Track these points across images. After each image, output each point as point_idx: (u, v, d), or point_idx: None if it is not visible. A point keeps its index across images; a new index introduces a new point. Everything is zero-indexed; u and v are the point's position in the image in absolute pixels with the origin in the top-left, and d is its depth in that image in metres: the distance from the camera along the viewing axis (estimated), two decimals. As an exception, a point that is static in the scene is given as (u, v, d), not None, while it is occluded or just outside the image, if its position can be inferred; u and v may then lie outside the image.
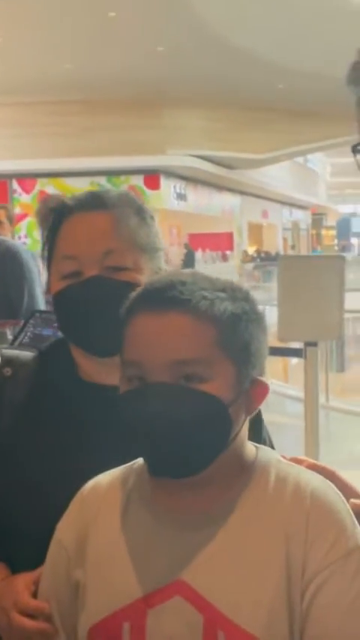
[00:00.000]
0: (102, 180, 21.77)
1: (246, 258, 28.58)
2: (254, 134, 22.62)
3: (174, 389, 0.96)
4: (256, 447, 1.07)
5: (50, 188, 21.48)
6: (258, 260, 28.05)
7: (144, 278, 1.24)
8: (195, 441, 0.97)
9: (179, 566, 0.99)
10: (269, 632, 0.96)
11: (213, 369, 0.97)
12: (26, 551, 1.22)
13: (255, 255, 29.07)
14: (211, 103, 21.30)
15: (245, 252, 29.18)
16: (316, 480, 1.04)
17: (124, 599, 1.00)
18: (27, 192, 21.94)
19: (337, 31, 14.82)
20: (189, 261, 25.07)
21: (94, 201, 1.28)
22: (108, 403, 1.24)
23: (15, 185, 21.90)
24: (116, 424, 1.21)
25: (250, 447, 1.06)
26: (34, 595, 1.14)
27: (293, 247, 38.06)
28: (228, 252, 29.63)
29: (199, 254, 27.01)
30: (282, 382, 9.02)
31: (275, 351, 4.55)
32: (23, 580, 1.17)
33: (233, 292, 1.02)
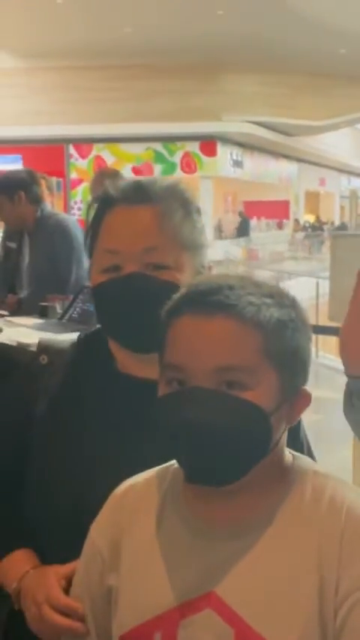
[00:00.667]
0: (158, 147, 21.68)
1: (297, 227, 28.21)
2: (313, 100, 22.19)
3: (215, 395, 0.95)
4: (293, 455, 1.05)
5: (106, 153, 21.48)
6: (309, 230, 27.64)
7: (185, 277, 1.23)
8: (234, 449, 0.95)
9: (212, 577, 0.98)
10: None
11: (256, 376, 0.96)
12: (58, 541, 1.22)
13: (307, 224, 28.67)
14: (269, 68, 20.93)
15: (297, 220, 28.81)
16: (352, 494, 1.01)
17: (157, 609, 1.00)
18: (83, 157, 21.97)
19: None
20: (243, 228, 24.90)
21: (138, 194, 1.25)
22: (145, 396, 1.23)
23: (71, 150, 21.94)
24: (153, 419, 1.21)
25: (288, 456, 1.04)
26: (65, 591, 1.14)
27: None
28: (284, 221, 29.31)
29: (254, 222, 26.78)
30: (334, 356, 8.91)
31: (327, 330, 4.49)
32: (55, 573, 1.16)
33: (280, 298, 1.00)
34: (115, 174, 4.39)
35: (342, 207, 38.16)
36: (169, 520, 1.04)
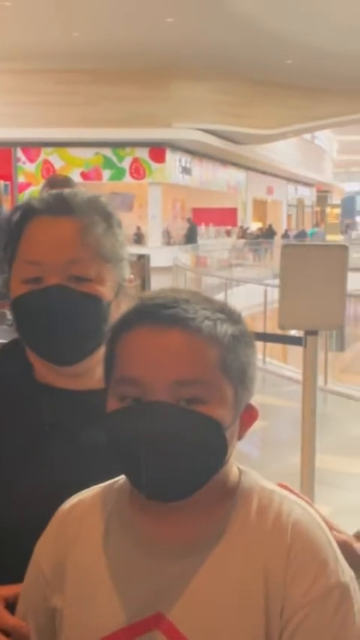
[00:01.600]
0: (107, 152, 21.64)
1: (240, 234, 28.38)
2: (262, 109, 22.44)
3: (175, 410, 0.93)
4: (240, 469, 1.03)
5: (55, 157, 21.36)
6: (249, 238, 27.81)
7: (106, 289, 1.22)
8: (191, 464, 0.94)
9: (159, 597, 0.97)
10: None
11: (214, 391, 0.95)
12: None
13: (248, 232, 28.82)
14: (220, 76, 21.10)
15: (241, 227, 28.99)
16: (298, 510, 1.00)
17: (104, 630, 0.98)
18: (31, 161, 21.82)
19: (346, 9, 14.64)
20: (191, 235, 24.99)
21: (61, 206, 1.23)
22: (65, 407, 1.23)
23: (19, 154, 21.77)
24: (76, 430, 1.21)
25: (235, 470, 1.03)
26: (10, 609, 1.11)
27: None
28: (231, 228, 29.52)
29: (202, 229, 26.91)
30: (281, 363, 9.01)
31: (275, 339, 4.54)
32: None
33: (231, 314, 0.99)
34: (66, 182, 4.34)
35: (289, 216, 38.62)
36: (115, 538, 1.02)
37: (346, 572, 0.97)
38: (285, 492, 1.03)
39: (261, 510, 0.99)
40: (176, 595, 0.96)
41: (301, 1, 14.58)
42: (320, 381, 6.60)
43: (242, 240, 27.31)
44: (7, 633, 1.09)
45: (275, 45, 17.79)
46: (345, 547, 1.04)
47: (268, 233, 29.28)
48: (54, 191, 1.30)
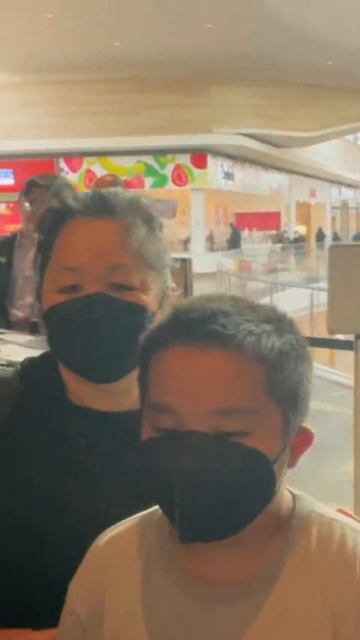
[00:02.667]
0: (149, 159, 21.71)
1: (275, 239, 28.14)
2: (303, 112, 22.29)
3: (213, 441, 0.81)
4: (293, 495, 0.92)
5: (97, 167, 21.49)
6: (287, 242, 27.57)
7: (150, 299, 1.10)
8: (233, 502, 0.82)
9: None
10: None
11: (259, 419, 0.82)
12: (19, 598, 1.08)
13: (286, 236, 28.58)
14: (259, 80, 21.03)
15: (276, 233, 28.72)
16: None
17: None
18: (74, 170, 21.99)
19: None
20: (234, 240, 24.91)
21: (101, 206, 1.10)
22: (103, 431, 1.11)
23: (62, 164, 21.95)
24: (115, 457, 1.08)
25: (288, 497, 0.91)
26: None
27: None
28: (275, 232, 29.36)
29: (245, 233, 26.82)
30: (327, 367, 8.88)
31: (324, 343, 4.44)
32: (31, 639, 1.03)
33: (279, 323, 0.86)
34: (113, 182, 4.26)
35: (333, 218, 38.27)
36: (156, 578, 0.90)
37: None
38: (346, 519, 0.92)
39: (322, 541, 0.88)
40: None
41: (338, 1, 14.44)
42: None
43: (279, 245, 27.12)
44: None
45: (314, 46, 17.66)
46: None
47: (319, 236, 29.02)
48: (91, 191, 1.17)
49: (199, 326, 0.83)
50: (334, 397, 7.32)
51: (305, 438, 0.88)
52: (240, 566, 0.87)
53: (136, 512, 0.97)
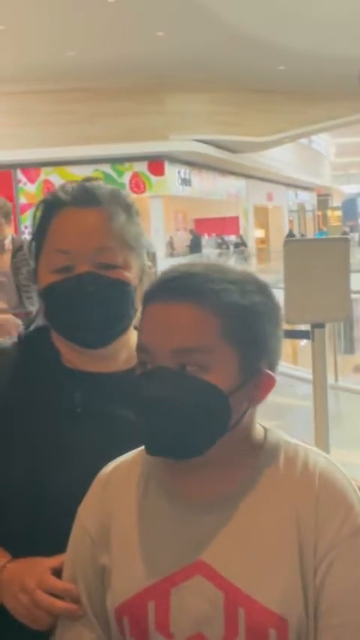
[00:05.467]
0: (106, 168, 21.75)
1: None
2: (257, 117, 22.53)
3: (173, 374, 1.02)
4: (265, 429, 1.12)
5: (55, 177, 21.47)
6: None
7: (132, 275, 1.30)
8: (191, 425, 1.02)
9: (198, 547, 1.05)
10: (286, 607, 1.02)
11: (214, 358, 1.02)
12: (20, 542, 1.24)
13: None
14: (213, 86, 21.22)
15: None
16: (322, 460, 1.09)
17: (148, 580, 1.07)
18: (32, 181, 21.93)
19: (335, 11, 14.74)
20: (195, 246, 25.06)
21: (87, 197, 1.30)
22: (96, 389, 1.30)
23: (19, 175, 21.89)
24: (108, 411, 1.29)
25: (259, 429, 1.11)
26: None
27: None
28: (234, 237, 29.56)
29: (205, 239, 26.96)
30: (291, 364, 9.03)
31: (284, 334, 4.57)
32: (42, 564, 1.19)
33: (244, 284, 1.06)
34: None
35: (291, 221, 38.67)
36: (152, 496, 1.11)
37: None
38: (308, 445, 1.12)
39: (288, 462, 1.08)
40: (213, 543, 1.05)
41: (288, 6, 14.68)
42: (331, 380, 6.62)
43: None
44: (57, 597, 1.14)
45: (266, 52, 17.89)
46: None
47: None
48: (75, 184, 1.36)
49: (172, 284, 1.05)
50: (297, 392, 7.47)
51: (268, 382, 1.07)
52: (216, 484, 1.07)
53: None
